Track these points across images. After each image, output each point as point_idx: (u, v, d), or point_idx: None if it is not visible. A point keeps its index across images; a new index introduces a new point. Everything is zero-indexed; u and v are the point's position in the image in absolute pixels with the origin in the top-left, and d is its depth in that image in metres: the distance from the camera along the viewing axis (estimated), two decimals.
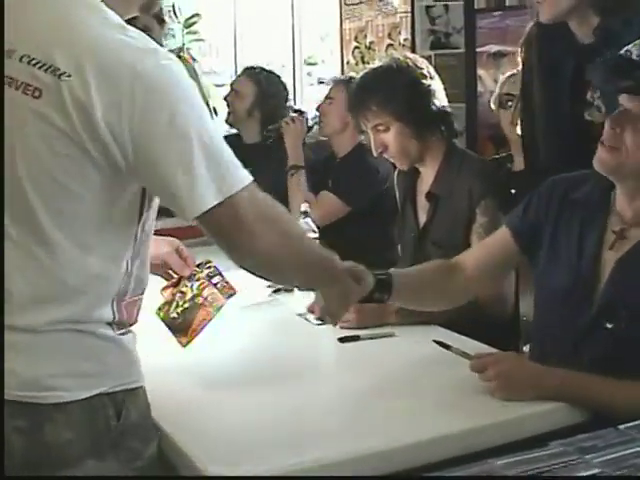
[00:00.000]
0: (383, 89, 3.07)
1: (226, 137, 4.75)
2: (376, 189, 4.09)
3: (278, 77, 5.00)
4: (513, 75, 3.93)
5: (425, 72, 3.11)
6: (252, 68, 4.94)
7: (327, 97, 4.45)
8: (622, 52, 2.20)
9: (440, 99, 3.11)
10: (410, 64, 3.11)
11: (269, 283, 3.37)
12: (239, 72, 5.15)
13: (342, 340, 2.74)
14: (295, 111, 4.87)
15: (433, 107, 3.08)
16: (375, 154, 3.15)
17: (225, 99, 5.00)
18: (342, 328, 2.78)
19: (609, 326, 2.24)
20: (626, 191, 2.29)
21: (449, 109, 3.13)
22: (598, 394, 2.16)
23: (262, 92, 4.71)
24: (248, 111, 4.70)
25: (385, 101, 3.04)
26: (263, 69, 4.96)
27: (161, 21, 5.66)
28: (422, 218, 3.20)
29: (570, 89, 2.88)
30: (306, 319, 2.96)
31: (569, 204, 2.42)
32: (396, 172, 3.39)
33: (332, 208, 4.13)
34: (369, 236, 4.09)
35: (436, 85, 3.12)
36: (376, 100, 3.07)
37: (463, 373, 2.30)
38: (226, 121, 4.89)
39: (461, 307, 2.69)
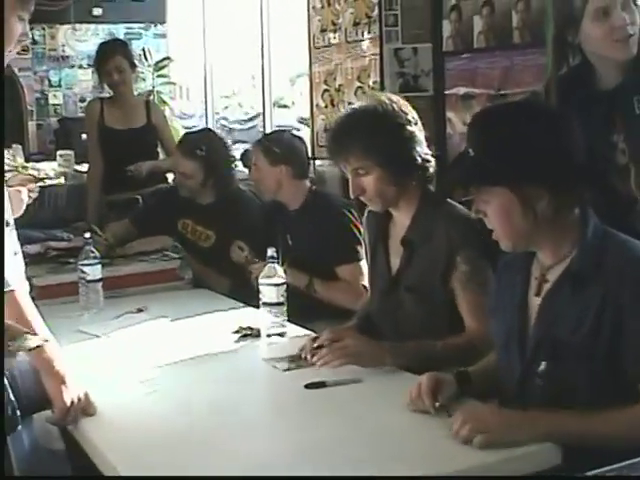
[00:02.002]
0: (367, 134, 2.98)
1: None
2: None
3: (216, 139, 4.88)
4: None
5: (410, 117, 3.06)
6: (188, 144, 4.75)
7: (252, 164, 4.42)
8: None
9: (422, 146, 3.06)
10: (395, 108, 3.06)
11: (236, 328, 3.35)
12: (178, 143, 4.92)
13: (308, 386, 2.69)
14: None
15: (415, 154, 3.03)
16: (352, 196, 3.09)
17: (173, 180, 4.94)
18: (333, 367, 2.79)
19: (542, 368, 2.30)
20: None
21: (430, 156, 3.08)
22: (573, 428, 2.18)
23: (207, 166, 4.57)
24: (201, 184, 4.59)
25: (369, 146, 2.96)
26: (200, 137, 4.85)
27: (132, 65, 5.67)
28: (395, 263, 3.14)
29: (597, 133, 2.87)
30: (273, 366, 2.92)
31: (505, 263, 2.54)
32: (365, 215, 3.35)
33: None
34: None
35: (419, 131, 3.07)
36: (359, 144, 2.99)
37: (429, 418, 2.30)
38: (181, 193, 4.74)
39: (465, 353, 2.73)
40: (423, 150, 3.04)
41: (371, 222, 3.30)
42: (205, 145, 4.59)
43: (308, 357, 2.90)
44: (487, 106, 3.31)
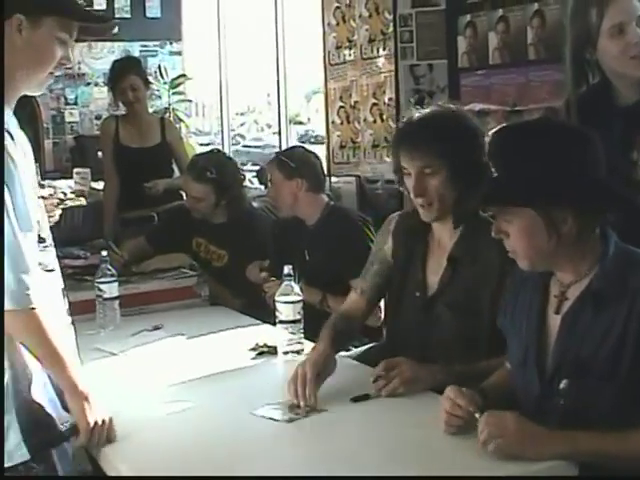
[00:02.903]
0: (446, 133, 2.95)
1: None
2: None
3: (225, 159, 4.87)
4: None
5: (483, 130, 3.05)
6: (198, 167, 4.73)
7: (268, 180, 4.43)
8: None
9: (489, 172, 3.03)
10: (473, 119, 3.05)
11: (252, 346, 3.35)
12: (187, 167, 4.86)
13: (355, 399, 2.73)
14: None
15: (485, 173, 2.98)
16: (414, 196, 3.02)
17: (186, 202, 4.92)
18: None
19: (563, 387, 2.29)
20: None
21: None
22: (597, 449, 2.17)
23: (218, 188, 4.56)
24: (213, 206, 4.58)
25: (444, 146, 2.92)
26: (210, 159, 4.79)
27: (146, 82, 5.69)
28: (433, 279, 3.09)
29: (616, 150, 2.85)
30: (270, 418, 2.85)
31: (522, 280, 2.51)
32: (393, 225, 3.29)
33: None
34: None
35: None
36: (436, 142, 2.93)
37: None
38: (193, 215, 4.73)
39: None
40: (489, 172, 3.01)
41: (405, 230, 3.21)
42: (215, 167, 4.58)
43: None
44: (507, 124, 3.27)
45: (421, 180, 2.96)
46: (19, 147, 2.30)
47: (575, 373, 2.28)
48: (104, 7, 8.15)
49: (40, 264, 2.34)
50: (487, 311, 2.91)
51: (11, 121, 2.30)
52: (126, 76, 5.60)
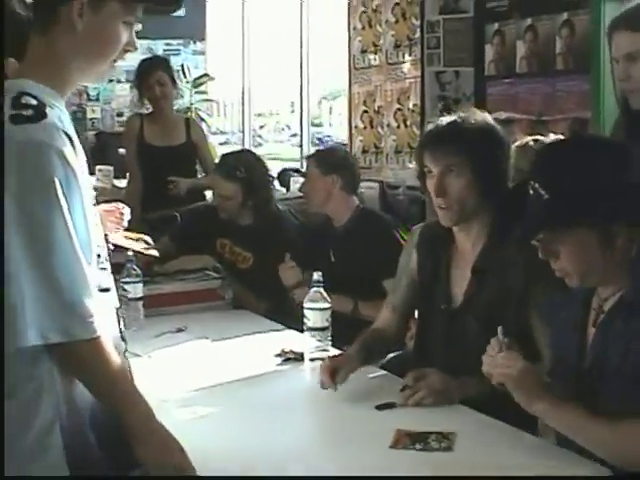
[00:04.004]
0: (476, 135, 2.94)
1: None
2: None
3: (255, 159, 4.84)
4: (524, 146, 3.76)
5: (510, 144, 3.06)
6: (228, 165, 4.72)
7: (304, 175, 4.46)
8: None
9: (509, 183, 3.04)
10: (495, 124, 3.05)
11: (278, 351, 3.33)
12: (216, 165, 4.78)
13: (379, 408, 2.72)
14: None
15: (507, 177, 3.00)
16: (434, 195, 3.02)
17: (213, 201, 4.88)
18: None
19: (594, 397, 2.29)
20: None
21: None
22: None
23: (247, 187, 4.54)
24: (240, 206, 4.55)
25: (472, 147, 2.91)
26: (239, 159, 4.81)
27: (172, 80, 5.68)
28: (457, 291, 3.07)
29: None
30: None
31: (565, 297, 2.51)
32: (417, 235, 3.29)
33: None
34: None
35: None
36: (464, 141, 2.93)
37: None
38: (220, 215, 4.71)
39: None
40: (509, 183, 3.01)
41: (428, 242, 3.20)
42: (244, 166, 4.55)
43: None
44: (551, 142, 3.28)
45: (443, 179, 2.95)
46: (79, 153, 2.05)
47: (603, 383, 2.27)
48: None
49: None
50: (513, 322, 2.90)
51: (65, 118, 2.04)
52: (154, 72, 5.59)
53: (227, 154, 4.95)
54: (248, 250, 4.50)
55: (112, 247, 3.04)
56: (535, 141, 3.67)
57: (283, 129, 8.39)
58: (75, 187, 1.96)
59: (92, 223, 2.05)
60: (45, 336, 1.88)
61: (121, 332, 2.25)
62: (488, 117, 3.07)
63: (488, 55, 5.36)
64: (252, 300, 4.28)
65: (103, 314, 2.05)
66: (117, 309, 2.26)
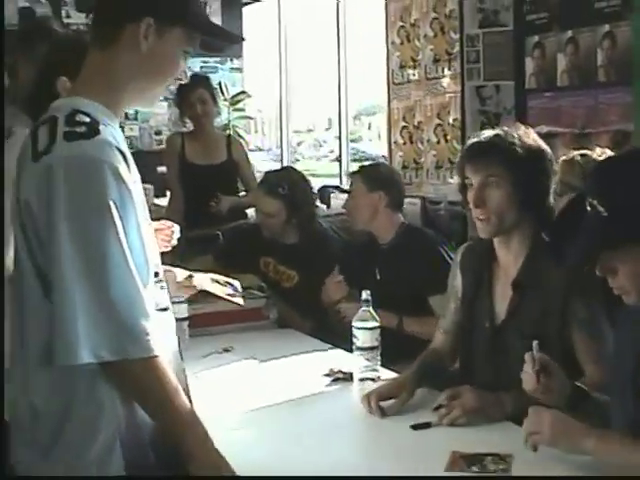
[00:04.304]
0: (518, 146, 2.93)
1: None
2: None
3: (298, 177, 4.81)
4: (571, 160, 3.72)
5: (553, 159, 3.04)
6: (271, 182, 4.69)
7: (349, 192, 4.40)
8: None
9: (551, 192, 3.02)
10: (539, 138, 3.04)
11: (326, 371, 3.31)
12: (260, 182, 4.78)
13: (415, 427, 2.71)
14: None
15: (549, 193, 2.98)
16: (472, 205, 3.01)
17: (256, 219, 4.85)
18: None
19: None
20: None
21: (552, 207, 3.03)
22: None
23: (290, 205, 4.51)
24: (284, 223, 4.53)
25: (513, 158, 2.90)
26: (283, 176, 4.78)
27: (214, 98, 5.69)
28: (500, 307, 3.06)
29: None
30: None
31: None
32: (461, 254, 3.28)
33: None
34: None
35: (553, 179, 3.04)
36: (505, 152, 2.92)
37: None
38: (263, 233, 4.69)
39: None
40: (551, 198, 3.00)
41: (471, 261, 3.20)
42: (287, 183, 4.54)
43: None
44: (608, 157, 3.25)
45: (482, 190, 2.96)
46: (132, 171, 2.03)
47: None
48: None
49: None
50: (556, 337, 2.87)
51: (119, 136, 2.04)
52: (195, 90, 5.61)
53: (270, 171, 4.94)
54: (292, 268, 4.49)
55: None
56: (582, 155, 3.63)
57: (321, 145, 8.38)
58: (129, 204, 1.95)
59: (148, 240, 2.04)
60: (98, 354, 1.87)
61: (180, 351, 2.23)
62: (531, 132, 3.06)
63: (528, 68, 5.32)
64: (297, 319, 4.27)
65: (161, 333, 2.04)
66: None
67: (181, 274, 3.22)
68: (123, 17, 2.05)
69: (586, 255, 2.28)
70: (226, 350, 3.70)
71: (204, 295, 4.18)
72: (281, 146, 8.09)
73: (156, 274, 2.09)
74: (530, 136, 3.03)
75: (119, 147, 1.97)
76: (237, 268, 4.51)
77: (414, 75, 6.12)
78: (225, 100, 8.20)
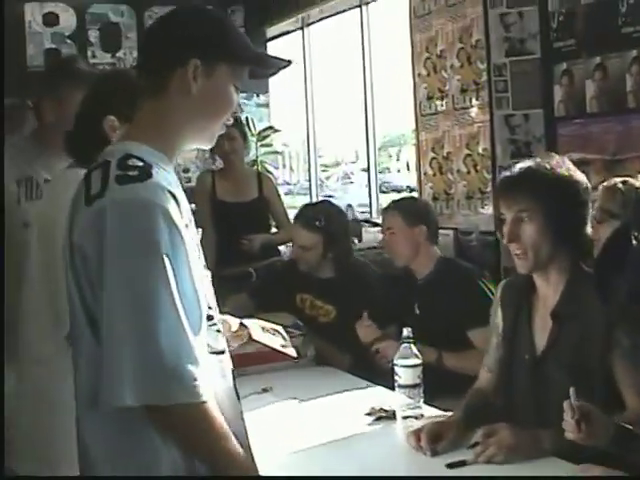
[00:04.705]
0: (548, 179, 2.92)
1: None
2: None
3: (335, 210, 4.80)
4: (612, 187, 3.68)
5: (588, 188, 3.00)
6: (309, 215, 4.69)
7: (385, 229, 4.36)
8: None
9: (588, 222, 2.99)
10: (579, 173, 3.01)
11: (368, 410, 3.28)
12: (296, 215, 4.80)
13: (451, 466, 2.69)
14: None
15: (584, 223, 2.96)
16: (505, 241, 3.00)
17: (292, 253, 4.84)
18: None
19: None
20: None
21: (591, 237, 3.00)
22: None
23: (327, 238, 4.49)
24: (321, 257, 4.51)
25: (544, 191, 2.89)
26: (321, 209, 4.79)
27: (243, 134, 5.69)
28: (540, 339, 3.02)
29: None
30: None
31: None
32: (501, 288, 3.26)
33: None
34: None
35: (589, 208, 3.02)
36: (536, 185, 2.91)
37: None
38: (299, 267, 4.68)
39: None
40: (588, 227, 2.97)
41: (511, 295, 3.18)
42: (324, 216, 4.52)
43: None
44: None
45: (515, 225, 2.94)
46: (185, 214, 1.99)
47: None
48: None
49: (208, 346, 2.02)
50: (599, 369, 2.84)
51: (172, 179, 2.02)
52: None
53: (307, 204, 4.96)
54: (330, 303, 4.46)
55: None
56: (623, 182, 3.60)
57: (349, 178, 8.37)
58: (181, 247, 1.92)
59: (200, 284, 1.99)
60: (143, 398, 1.84)
61: (237, 394, 2.18)
62: (566, 161, 3.03)
63: (557, 96, 5.29)
64: (336, 354, 4.24)
65: (217, 376, 2.03)
66: (233, 371, 2.18)
67: (234, 323, 3.22)
68: (169, 63, 2.05)
69: (635, 292, 2.26)
70: (265, 390, 3.68)
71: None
72: (309, 180, 8.09)
73: (210, 317, 2.04)
74: (564, 165, 3.01)
75: (171, 190, 1.94)
76: (272, 306, 4.50)
77: (442, 106, 6.10)
78: (253, 136, 8.22)
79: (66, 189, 2.72)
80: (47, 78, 3.73)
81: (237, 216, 5.53)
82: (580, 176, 3.03)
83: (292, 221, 4.75)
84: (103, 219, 1.87)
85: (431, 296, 4.08)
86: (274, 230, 5.78)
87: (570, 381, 2.77)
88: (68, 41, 8.01)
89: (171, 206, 1.91)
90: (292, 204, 8.11)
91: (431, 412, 3.18)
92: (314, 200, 8.00)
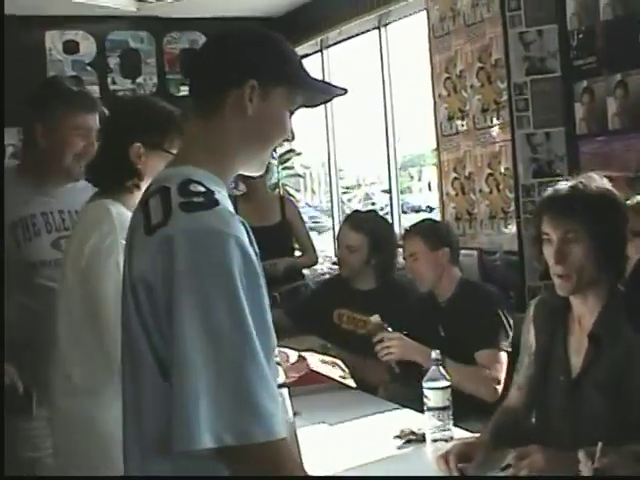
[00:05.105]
0: (598, 202, 2.91)
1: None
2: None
3: (384, 221, 4.87)
4: (638, 205, 3.65)
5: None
6: (357, 217, 4.75)
7: (408, 255, 4.34)
8: None
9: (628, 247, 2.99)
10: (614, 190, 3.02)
11: (397, 432, 3.28)
12: (342, 219, 4.97)
13: None
14: None
15: (625, 246, 2.95)
16: (552, 262, 2.98)
17: (336, 255, 4.90)
18: None
19: None
20: None
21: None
22: None
23: (373, 242, 4.55)
24: (364, 263, 4.55)
25: (594, 214, 2.89)
26: (369, 215, 4.83)
27: None
28: (576, 360, 3.00)
29: None
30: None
31: None
32: (534, 305, 3.24)
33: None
34: None
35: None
36: (586, 208, 2.90)
37: None
38: (340, 274, 4.74)
39: None
40: (629, 248, 2.97)
41: (545, 314, 3.16)
42: (373, 222, 4.61)
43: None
44: None
45: (563, 246, 2.92)
46: (252, 241, 1.92)
47: None
48: None
49: None
50: (636, 392, 2.81)
51: (230, 206, 1.92)
52: None
53: (356, 210, 5.00)
54: (370, 314, 4.46)
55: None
56: None
57: (370, 199, 8.38)
58: (255, 277, 1.83)
59: (269, 314, 1.88)
60: (221, 439, 1.70)
61: (295, 427, 2.15)
62: (607, 182, 3.03)
63: (578, 114, 5.28)
64: (374, 366, 4.18)
65: (284, 412, 1.94)
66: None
67: (293, 355, 3.22)
68: (226, 82, 1.99)
69: None
70: (295, 414, 3.66)
71: None
72: (331, 201, 8.09)
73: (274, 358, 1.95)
74: (607, 188, 3.00)
75: (242, 221, 1.87)
76: (302, 328, 4.50)
77: (463, 126, 6.10)
78: (274, 159, 8.25)
79: (97, 224, 2.73)
80: (37, 102, 3.57)
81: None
82: (622, 197, 3.02)
83: (340, 224, 4.83)
84: (170, 250, 1.77)
85: (453, 318, 4.08)
86: (298, 254, 5.78)
87: (606, 404, 2.76)
88: (88, 68, 8.06)
89: (243, 234, 1.84)
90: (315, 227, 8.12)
91: (461, 434, 3.17)
92: (337, 222, 8.03)
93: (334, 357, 4.11)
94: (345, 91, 2.17)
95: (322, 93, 2.18)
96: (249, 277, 1.79)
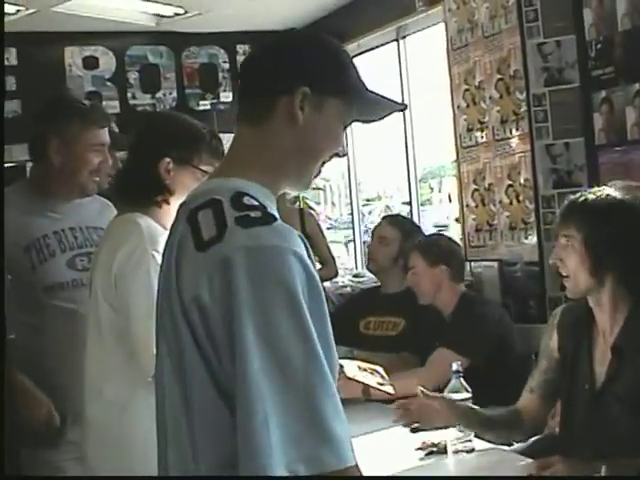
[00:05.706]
0: (597, 207, 2.93)
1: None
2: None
3: (418, 226, 5.01)
4: None
5: None
6: (394, 216, 4.94)
7: (409, 268, 4.47)
8: None
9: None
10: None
11: (419, 444, 3.28)
12: (384, 217, 5.16)
13: None
14: None
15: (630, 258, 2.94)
16: (550, 261, 3.03)
17: (368, 247, 5.03)
18: None
19: None
20: None
21: None
22: None
23: (405, 238, 4.68)
24: (393, 259, 4.65)
25: (589, 218, 2.92)
26: (404, 217, 4.99)
27: None
28: (600, 371, 3.01)
29: None
30: None
31: None
32: (560, 311, 3.24)
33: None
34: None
35: None
36: (578, 215, 2.95)
37: None
38: (367, 267, 4.91)
39: None
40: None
41: (571, 321, 3.17)
42: (410, 223, 4.94)
43: None
44: None
45: (559, 247, 3.00)
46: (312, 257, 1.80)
47: None
48: (230, 99, 8.28)
49: None
50: None
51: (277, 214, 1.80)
52: None
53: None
54: (397, 316, 4.51)
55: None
56: None
57: (391, 211, 8.38)
58: (319, 295, 1.71)
59: (331, 329, 1.75)
60: (294, 469, 1.59)
61: None
62: (625, 191, 3.01)
63: (597, 124, 5.28)
64: (408, 360, 4.22)
65: None
66: None
67: None
68: (277, 88, 1.87)
69: None
70: None
71: None
72: (352, 214, 8.10)
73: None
74: (617, 195, 2.97)
75: (302, 237, 1.77)
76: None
77: (482, 137, 6.10)
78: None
79: (126, 236, 2.74)
80: (51, 118, 3.53)
81: None
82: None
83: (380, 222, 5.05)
84: (229, 268, 1.65)
85: (457, 334, 4.12)
86: (318, 266, 5.79)
87: (632, 416, 2.75)
88: (108, 84, 8.10)
89: (304, 251, 1.72)
90: (335, 239, 8.12)
91: (482, 445, 3.17)
92: (357, 235, 8.07)
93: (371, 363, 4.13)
94: (405, 107, 2.09)
95: (380, 108, 2.04)
96: (312, 294, 1.68)
